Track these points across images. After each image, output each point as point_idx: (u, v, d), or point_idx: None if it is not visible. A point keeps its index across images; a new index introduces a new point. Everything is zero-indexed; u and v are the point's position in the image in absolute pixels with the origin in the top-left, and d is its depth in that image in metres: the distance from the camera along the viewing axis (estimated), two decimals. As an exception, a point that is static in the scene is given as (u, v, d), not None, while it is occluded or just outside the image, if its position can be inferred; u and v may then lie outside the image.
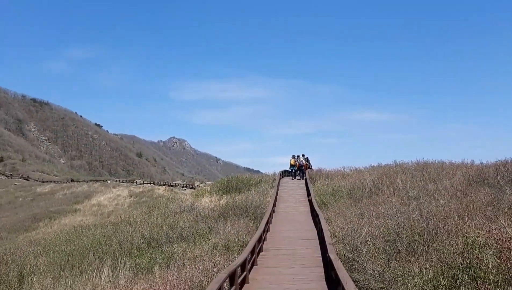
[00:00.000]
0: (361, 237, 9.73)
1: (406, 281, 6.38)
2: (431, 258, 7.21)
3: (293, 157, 31.66)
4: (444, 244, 7.96)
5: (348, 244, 9.76)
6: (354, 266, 8.80)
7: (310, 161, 33.02)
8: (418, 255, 7.75)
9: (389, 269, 7.30)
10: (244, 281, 9.19)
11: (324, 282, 9.13)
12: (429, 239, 8.26)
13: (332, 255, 8.61)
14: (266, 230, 14.31)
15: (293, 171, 31.58)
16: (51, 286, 13.43)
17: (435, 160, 25.59)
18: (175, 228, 16.87)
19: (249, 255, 10.71)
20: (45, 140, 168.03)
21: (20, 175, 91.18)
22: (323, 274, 9.70)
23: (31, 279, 14.97)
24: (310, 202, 20.02)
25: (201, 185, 44.18)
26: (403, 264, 7.28)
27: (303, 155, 32.16)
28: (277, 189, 23.99)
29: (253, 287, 8.90)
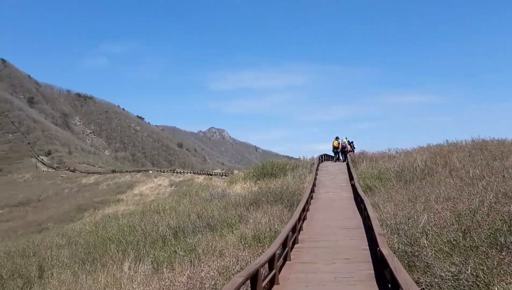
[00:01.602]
0: (420, 226, 7.67)
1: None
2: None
3: (336, 139, 29.59)
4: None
5: (404, 234, 7.73)
6: (413, 263, 6.81)
7: (354, 145, 30.83)
8: (506, 249, 5.68)
9: (468, 270, 5.29)
10: (273, 281, 7.40)
11: (375, 282, 7.17)
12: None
13: (385, 250, 6.64)
14: (302, 218, 12.44)
15: (336, 153, 29.51)
16: (70, 281, 12.30)
17: (493, 138, 22.60)
18: (202, 216, 15.35)
19: (280, 249, 8.92)
20: (90, 133, 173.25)
21: (66, 168, 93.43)
22: (373, 272, 7.74)
23: (51, 273, 13.99)
24: (353, 186, 17.92)
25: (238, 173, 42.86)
26: (493, 264, 5.22)
27: (346, 139, 30.04)
28: (316, 174, 21.99)
29: (284, 290, 7.10)
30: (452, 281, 5.37)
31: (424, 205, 9.81)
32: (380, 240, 7.55)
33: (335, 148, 29.62)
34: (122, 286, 8.58)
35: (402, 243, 7.50)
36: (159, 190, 50.54)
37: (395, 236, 8.06)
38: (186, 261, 10.76)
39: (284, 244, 8.93)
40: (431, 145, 25.57)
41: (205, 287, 6.65)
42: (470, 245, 6.19)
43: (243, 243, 10.84)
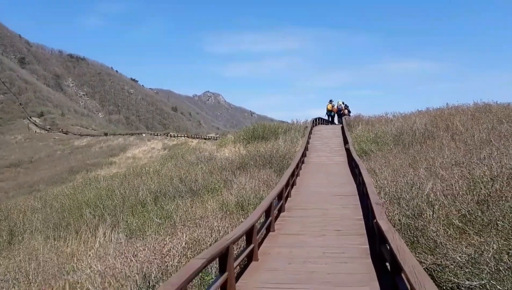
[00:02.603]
0: (425, 194, 6.56)
1: None
2: None
3: (330, 102, 28.32)
4: None
5: (406, 205, 6.62)
6: (416, 239, 5.73)
7: (350, 108, 29.57)
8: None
9: (489, 253, 4.21)
10: (250, 257, 6.33)
11: (370, 259, 6.13)
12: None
13: (384, 223, 5.53)
14: (291, 184, 11.34)
15: (330, 116, 28.32)
16: (33, 249, 11.29)
17: (497, 102, 21.26)
18: (186, 180, 14.25)
19: (263, 217, 7.84)
20: (83, 95, 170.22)
21: (59, 130, 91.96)
22: (367, 247, 6.68)
23: (22, 238, 13.02)
24: (348, 150, 16.82)
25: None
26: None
27: (342, 102, 28.78)
28: (309, 137, 20.84)
29: (263, 268, 6.03)
30: (468, 265, 4.29)
31: (427, 171, 8.69)
32: (377, 210, 6.45)
33: (329, 111, 28.44)
34: (77, 259, 7.52)
35: (403, 215, 6.39)
36: (152, 154, 49.75)
37: (396, 206, 6.96)
38: (161, 229, 9.74)
39: (267, 213, 7.85)
40: (431, 108, 24.32)
41: (166, 266, 5.56)
42: (489, 220, 5.09)
43: (224, 210, 9.78)
